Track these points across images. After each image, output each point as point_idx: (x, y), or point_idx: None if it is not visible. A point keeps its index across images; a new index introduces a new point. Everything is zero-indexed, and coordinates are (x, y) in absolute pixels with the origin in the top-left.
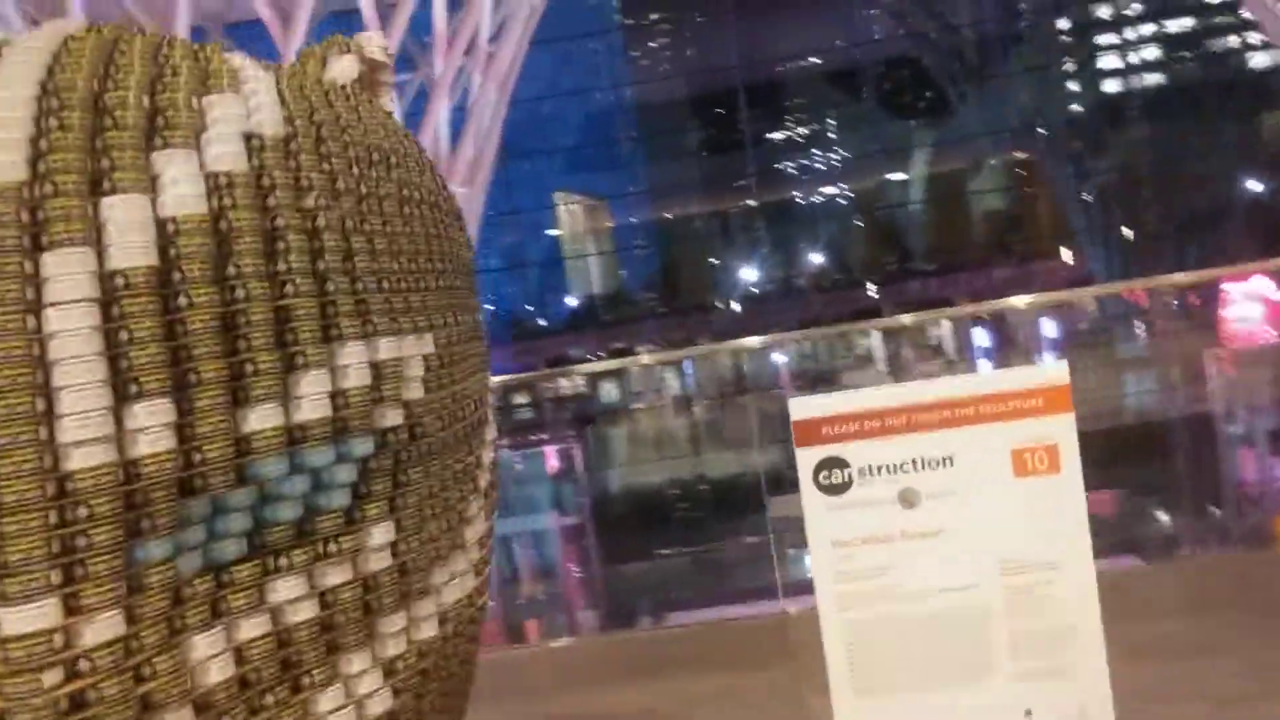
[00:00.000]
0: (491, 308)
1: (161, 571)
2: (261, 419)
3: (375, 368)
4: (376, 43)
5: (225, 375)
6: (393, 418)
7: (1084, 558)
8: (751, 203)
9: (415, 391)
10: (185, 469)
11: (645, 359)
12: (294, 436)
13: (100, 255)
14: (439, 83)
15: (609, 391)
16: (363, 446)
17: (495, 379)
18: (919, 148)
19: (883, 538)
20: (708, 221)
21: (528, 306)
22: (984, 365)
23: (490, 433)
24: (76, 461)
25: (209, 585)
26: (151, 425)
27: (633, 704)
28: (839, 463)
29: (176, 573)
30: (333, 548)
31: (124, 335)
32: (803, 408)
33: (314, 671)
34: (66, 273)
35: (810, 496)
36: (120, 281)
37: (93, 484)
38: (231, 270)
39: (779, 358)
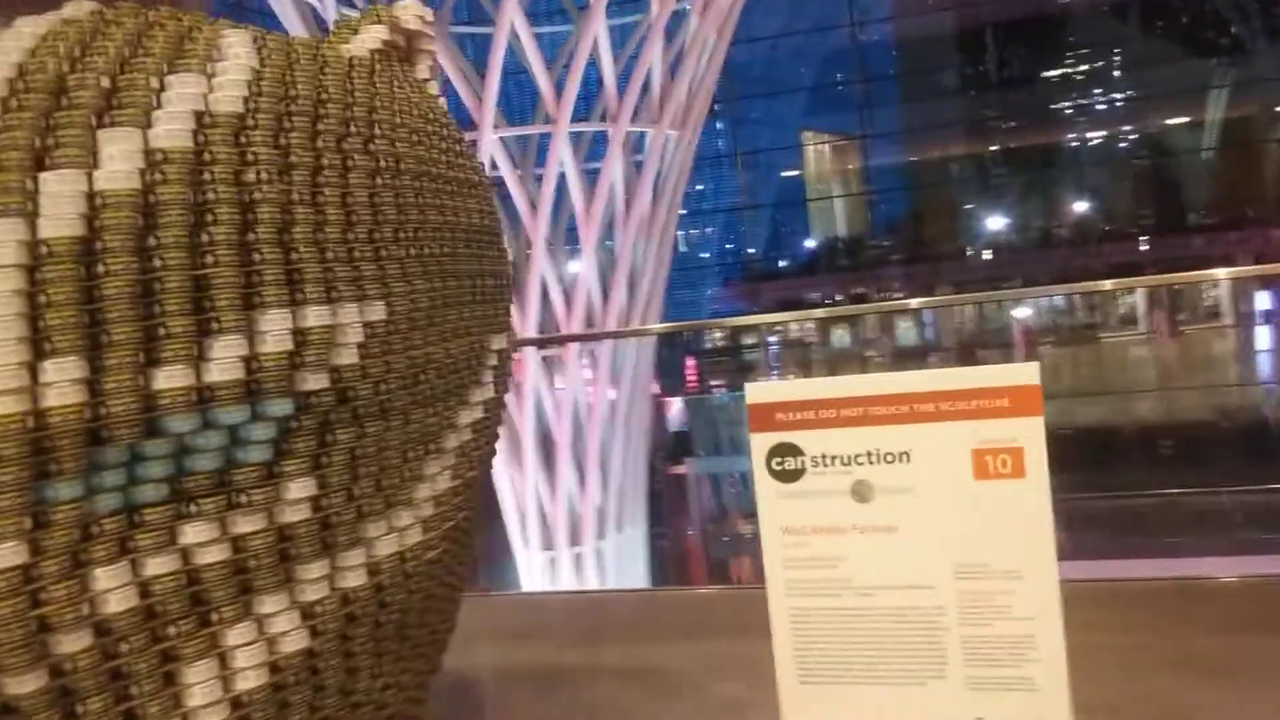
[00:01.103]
0: (722, 248)
1: (67, 510)
2: (169, 378)
3: (299, 334)
4: (413, 11)
5: (137, 337)
6: (315, 382)
7: (1047, 567)
8: (1015, 145)
9: (348, 357)
10: (94, 421)
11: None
12: (204, 396)
13: (33, 225)
14: (654, 25)
15: (840, 337)
16: (279, 407)
17: (728, 321)
18: (1214, 89)
19: (834, 529)
20: (964, 164)
21: (763, 248)
22: (1263, 332)
23: (479, 394)
24: None
25: (119, 525)
26: (60, 380)
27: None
28: (792, 450)
29: (86, 512)
30: (245, 498)
31: (42, 299)
32: (758, 392)
33: (223, 609)
34: None
35: (762, 482)
36: (44, 250)
37: (3, 429)
38: (152, 241)
39: (1023, 313)
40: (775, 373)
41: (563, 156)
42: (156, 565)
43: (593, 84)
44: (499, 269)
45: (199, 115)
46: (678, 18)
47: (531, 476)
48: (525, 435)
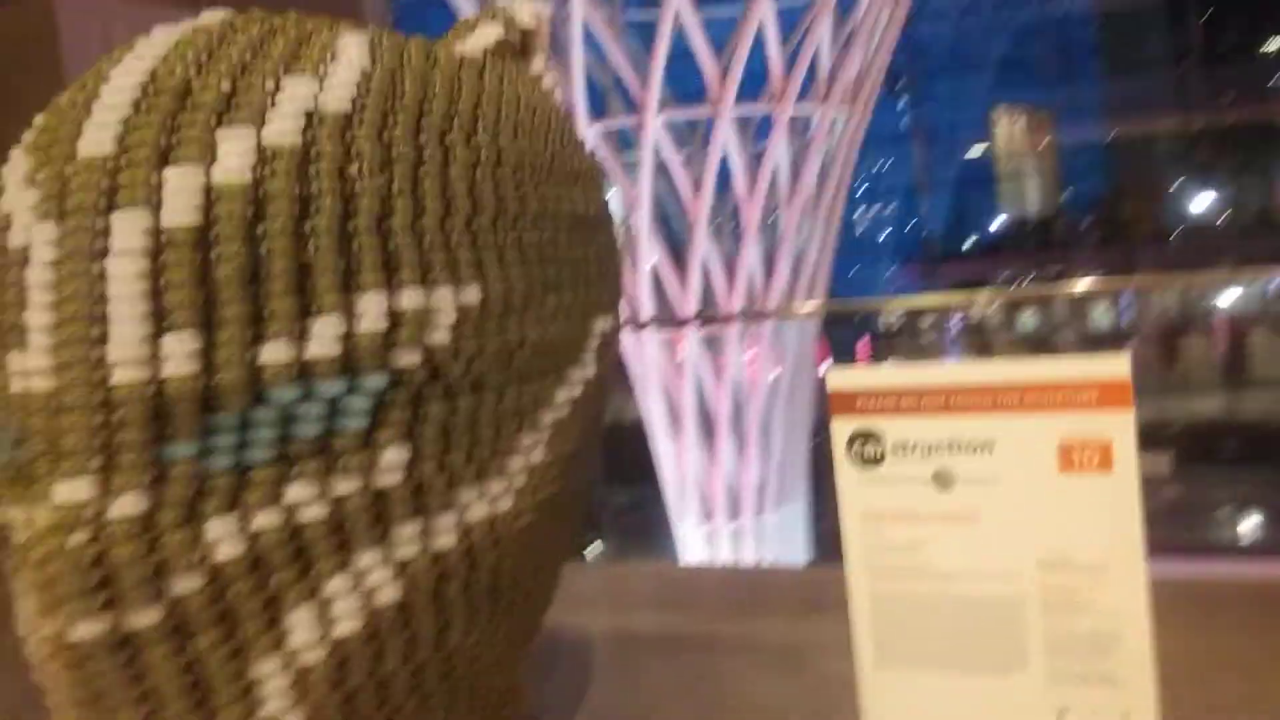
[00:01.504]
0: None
1: (183, 466)
2: (273, 353)
3: (394, 315)
4: (529, 10)
5: (245, 316)
6: (408, 358)
7: (1134, 563)
8: (1229, 121)
9: (441, 337)
10: (206, 388)
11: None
12: (305, 369)
13: (156, 215)
14: (823, 4)
15: (1026, 320)
16: (375, 381)
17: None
18: None
19: (915, 516)
20: (1170, 142)
21: (945, 227)
22: None
23: (579, 374)
24: (118, 376)
25: (230, 481)
26: (177, 352)
27: None
28: (873, 436)
29: (200, 469)
30: (344, 463)
31: (164, 280)
32: (839, 378)
33: (324, 560)
34: (126, 228)
35: (843, 468)
36: (165, 237)
37: (128, 394)
38: (260, 230)
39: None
40: (953, 355)
41: (726, 139)
42: (263, 519)
43: (759, 65)
44: (605, 253)
45: (308, 114)
46: None
47: (691, 451)
48: (685, 410)
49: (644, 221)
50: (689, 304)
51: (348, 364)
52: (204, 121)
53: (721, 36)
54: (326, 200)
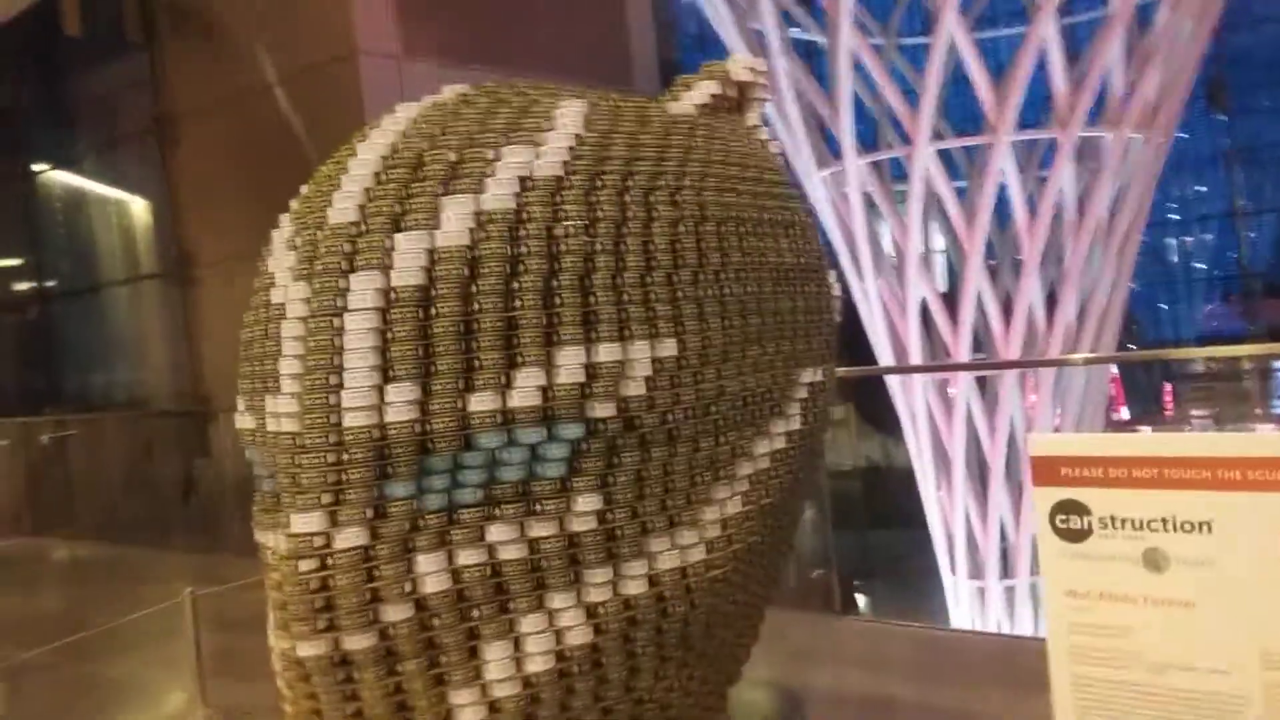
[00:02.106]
0: (1220, 258)
1: (400, 505)
2: (480, 402)
3: (590, 368)
4: (743, 64)
5: (457, 368)
6: (604, 409)
7: None
8: None
9: (636, 389)
10: (422, 434)
11: None
12: (507, 418)
13: (387, 276)
14: (1114, 17)
15: None
16: (571, 431)
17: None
18: None
19: (1123, 597)
20: None
21: (1273, 258)
22: None
23: (781, 425)
24: (349, 420)
25: (440, 520)
26: (398, 401)
27: None
28: (1079, 508)
29: (415, 507)
30: (541, 507)
31: (390, 335)
32: (1041, 444)
33: (519, 599)
34: (362, 289)
35: (1046, 539)
36: (394, 296)
37: (355, 438)
38: (473, 289)
39: None
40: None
41: (1004, 167)
42: (467, 556)
43: (1039, 88)
44: (815, 304)
45: (523, 180)
46: (1144, 11)
47: (961, 502)
48: (955, 458)
49: (913, 256)
50: (960, 346)
51: (547, 414)
52: (432, 190)
53: (1003, 59)
54: (533, 260)
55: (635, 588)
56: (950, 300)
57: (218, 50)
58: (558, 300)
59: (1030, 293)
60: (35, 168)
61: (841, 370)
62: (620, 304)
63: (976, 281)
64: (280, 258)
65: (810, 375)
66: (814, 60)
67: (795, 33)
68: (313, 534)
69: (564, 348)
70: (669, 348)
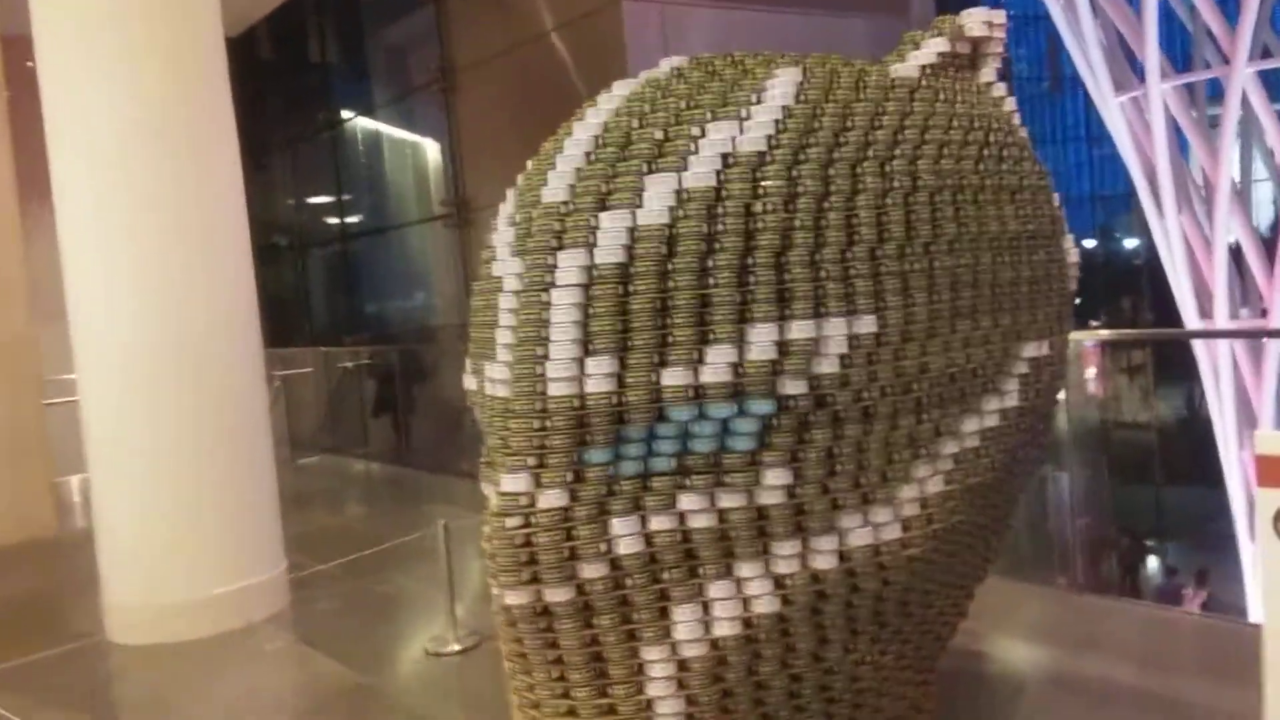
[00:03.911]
0: None
1: (598, 470)
2: (672, 377)
3: (782, 345)
4: (978, 18)
5: (653, 343)
6: (794, 387)
7: None
8: None
9: (829, 367)
10: (619, 405)
11: None
12: (699, 393)
13: (591, 254)
14: None
15: None
16: (762, 407)
17: None
18: None
19: None
20: None
21: None
22: None
23: (995, 403)
24: (553, 390)
25: (634, 486)
26: (597, 373)
27: None
28: None
29: (611, 473)
30: (730, 479)
31: (591, 310)
32: (1270, 442)
33: (708, 566)
34: (567, 266)
35: (1268, 543)
36: (596, 273)
37: (558, 407)
38: (671, 266)
39: None
40: None
41: (1242, 98)
42: (659, 522)
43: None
44: (1043, 274)
45: (725, 157)
46: None
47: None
48: (1264, 417)
49: (1223, 191)
50: (1276, 292)
51: (737, 390)
52: (637, 169)
53: None
54: (730, 238)
55: (824, 562)
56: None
57: (494, 2)
58: (751, 278)
59: None
60: (342, 115)
61: (1109, 333)
62: (817, 280)
63: (1225, 222)
64: (502, 233)
65: (1034, 349)
66: None
67: None
68: (519, 493)
69: (756, 325)
70: (867, 324)
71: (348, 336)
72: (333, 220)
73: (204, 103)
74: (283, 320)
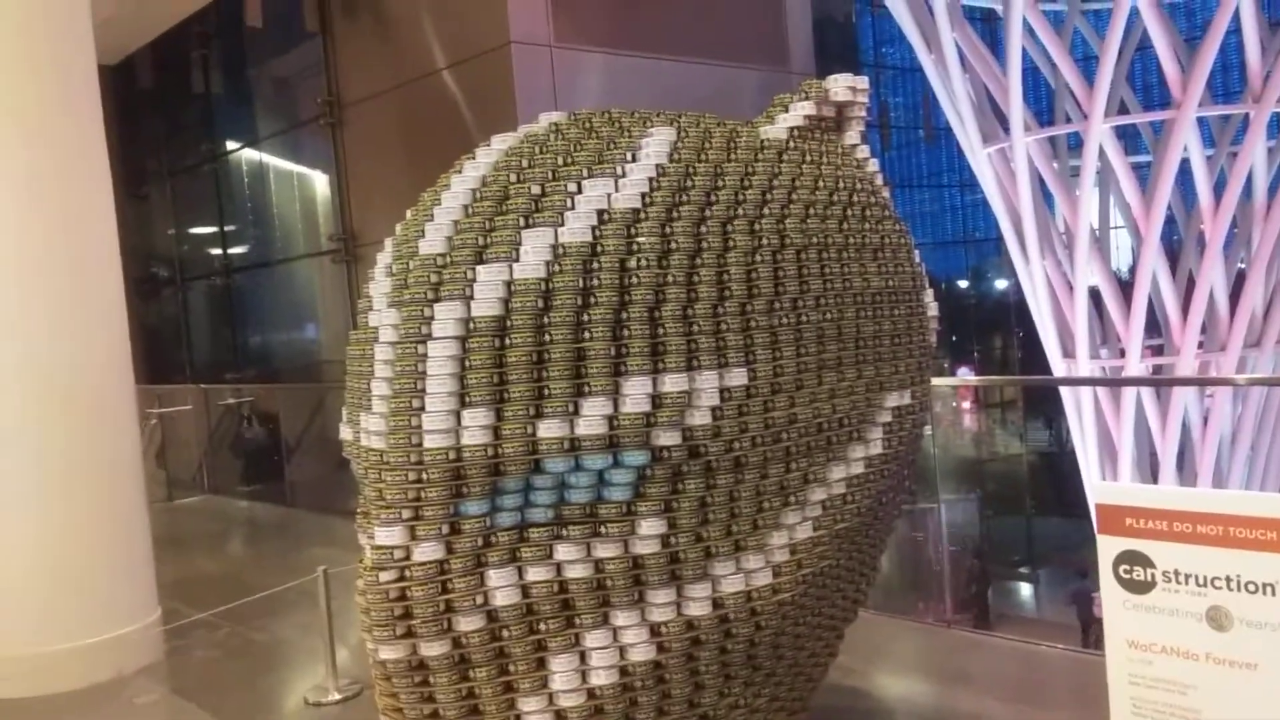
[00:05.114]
0: None
1: (474, 522)
2: (548, 429)
3: (656, 398)
4: (843, 83)
5: (528, 395)
6: (668, 438)
7: None
8: None
9: (701, 418)
10: (494, 457)
11: None
12: (574, 444)
13: (468, 306)
14: None
15: None
16: (636, 458)
17: None
18: None
19: (1185, 653)
20: None
21: None
22: None
23: (860, 451)
24: (428, 442)
25: (511, 538)
26: (473, 425)
27: None
28: (1142, 559)
29: (487, 524)
30: (606, 530)
31: (468, 363)
32: (1107, 493)
33: (584, 615)
34: (445, 317)
35: (1109, 588)
36: (473, 325)
37: (434, 458)
38: (545, 320)
39: None
40: None
41: (1188, 143)
42: (536, 572)
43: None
44: (904, 327)
45: (600, 213)
46: None
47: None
48: (1123, 453)
49: (1082, 237)
50: (1132, 336)
51: (612, 441)
52: (514, 223)
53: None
54: (605, 293)
55: (698, 609)
56: (1125, 287)
57: (383, 39)
58: (626, 332)
59: (1214, 282)
60: (226, 146)
61: (975, 380)
62: (689, 335)
63: (1152, 264)
64: (379, 283)
65: (896, 399)
66: (983, 28)
67: None
68: (394, 546)
69: (630, 378)
70: (738, 377)
71: (230, 373)
72: (215, 251)
73: (73, 130)
74: (161, 355)
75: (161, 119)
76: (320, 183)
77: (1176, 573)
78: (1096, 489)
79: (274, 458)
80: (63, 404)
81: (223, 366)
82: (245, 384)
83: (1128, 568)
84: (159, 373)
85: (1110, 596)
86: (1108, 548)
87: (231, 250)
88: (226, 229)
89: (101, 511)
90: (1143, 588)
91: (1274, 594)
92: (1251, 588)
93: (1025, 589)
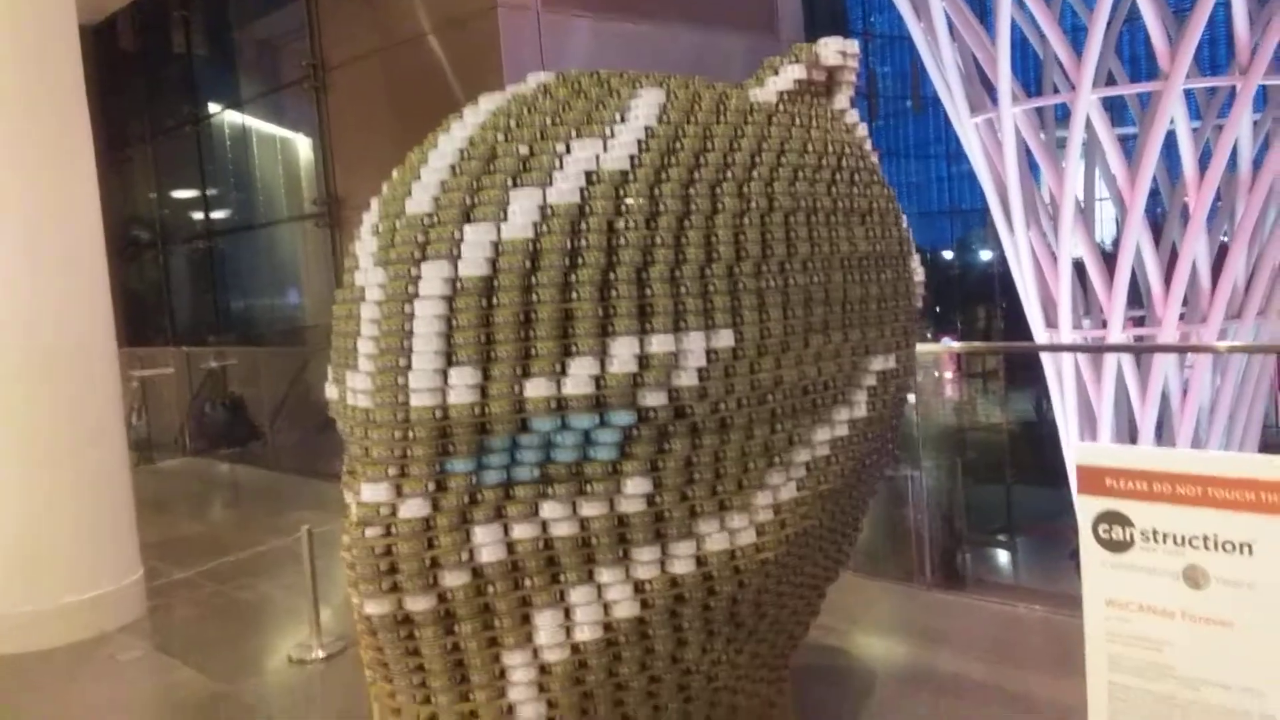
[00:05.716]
0: None
1: (459, 480)
2: (535, 389)
3: (643, 359)
4: (834, 47)
5: (515, 355)
6: (654, 399)
7: None
8: None
9: (688, 379)
10: (481, 416)
11: None
12: (561, 404)
13: (455, 266)
14: None
15: None
16: (623, 418)
17: None
18: None
19: (1161, 611)
20: None
21: None
22: None
23: (844, 414)
24: (415, 400)
25: (497, 495)
26: (460, 384)
27: None
28: (1121, 519)
29: (473, 482)
30: (591, 488)
31: (454, 322)
32: (1087, 453)
33: (569, 572)
34: (431, 276)
35: (1088, 548)
36: (460, 285)
37: (419, 417)
38: (534, 280)
39: None
40: None
41: (1174, 116)
42: (521, 530)
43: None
44: (891, 292)
45: (589, 175)
46: None
47: None
48: (1102, 423)
49: (1067, 209)
50: (1114, 308)
51: (599, 401)
52: (501, 183)
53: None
54: (593, 254)
55: (682, 567)
56: (1109, 259)
57: (368, 2)
58: (613, 292)
59: (1196, 254)
60: (209, 108)
61: (961, 345)
62: (677, 296)
63: (1136, 236)
64: (365, 242)
65: (881, 363)
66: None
67: None
68: (379, 503)
69: (617, 338)
70: (725, 339)
71: (212, 336)
72: (198, 215)
73: (53, 91)
74: (143, 318)
75: (143, 80)
76: (304, 146)
77: (1155, 532)
78: (1077, 450)
79: (256, 421)
80: (45, 365)
81: (205, 329)
82: (227, 346)
83: (1107, 527)
84: (142, 335)
85: (1089, 556)
86: (1087, 508)
87: (214, 214)
88: (209, 192)
89: (84, 471)
90: (1121, 547)
91: (1250, 553)
92: (1228, 547)
93: (1002, 554)
